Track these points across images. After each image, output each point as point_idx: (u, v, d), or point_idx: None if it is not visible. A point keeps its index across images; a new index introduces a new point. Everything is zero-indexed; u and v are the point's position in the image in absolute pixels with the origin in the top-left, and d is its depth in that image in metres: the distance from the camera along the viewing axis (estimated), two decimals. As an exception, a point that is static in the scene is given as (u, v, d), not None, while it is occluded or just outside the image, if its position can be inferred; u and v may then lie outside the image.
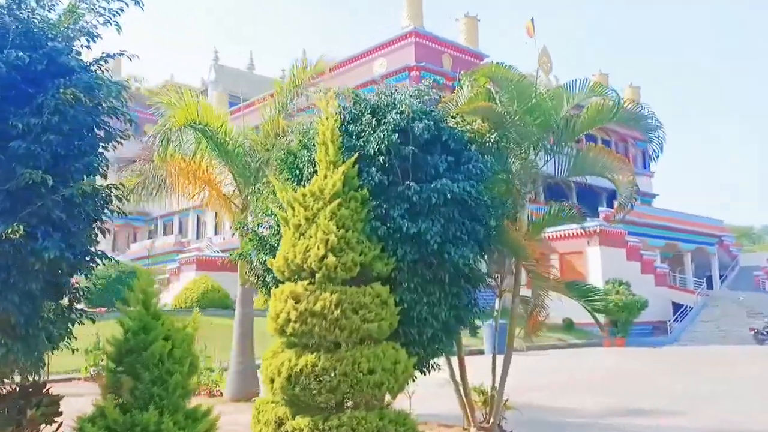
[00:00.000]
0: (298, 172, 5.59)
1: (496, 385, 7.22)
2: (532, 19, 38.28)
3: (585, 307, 7.45)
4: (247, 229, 6.74)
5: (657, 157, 7.60)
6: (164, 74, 54.91)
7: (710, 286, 35.09)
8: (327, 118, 4.99)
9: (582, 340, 25.39)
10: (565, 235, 28.00)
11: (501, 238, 6.49)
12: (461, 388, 7.18)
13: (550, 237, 28.40)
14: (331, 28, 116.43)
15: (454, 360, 7.34)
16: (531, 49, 38.57)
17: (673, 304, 29.13)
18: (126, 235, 47.87)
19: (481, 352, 20.91)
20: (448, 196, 5.16)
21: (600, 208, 32.84)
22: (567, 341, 24.76)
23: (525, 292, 8.08)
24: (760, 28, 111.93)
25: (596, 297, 7.31)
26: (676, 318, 27.85)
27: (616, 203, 29.36)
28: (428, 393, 8.81)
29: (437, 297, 5.29)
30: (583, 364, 17.43)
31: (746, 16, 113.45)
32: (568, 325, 26.39)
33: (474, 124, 6.70)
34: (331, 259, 4.58)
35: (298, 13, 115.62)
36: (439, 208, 5.22)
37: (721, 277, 36.16)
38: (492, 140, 6.49)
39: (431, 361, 5.94)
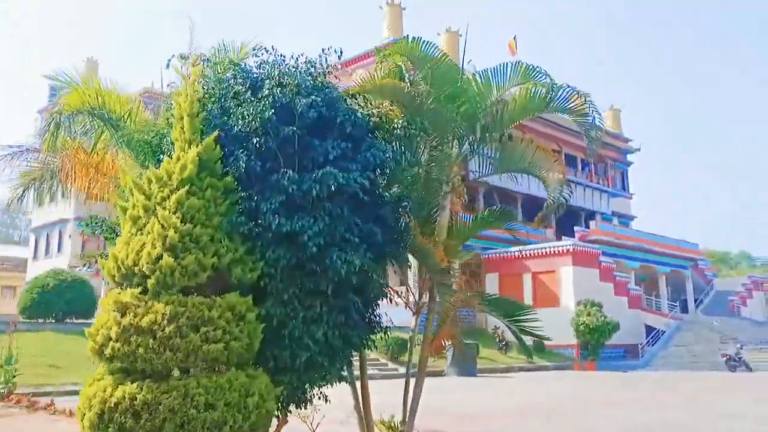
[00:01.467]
0: (162, 156, 4.59)
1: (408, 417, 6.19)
2: (515, 37, 37.38)
3: (509, 327, 6.48)
4: (97, 226, 5.71)
5: (592, 154, 6.72)
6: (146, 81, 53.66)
7: (685, 309, 34.50)
8: (186, 87, 4.03)
9: (552, 362, 24.48)
10: (538, 254, 27.25)
11: (408, 244, 5.54)
12: (364, 422, 6.14)
13: (524, 256, 27.66)
14: (322, 39, 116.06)
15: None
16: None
17: (646, 327, 28.40)
18: (96, 246, 46.27)
19: (442, 374, 19.89)
20: (333, 188, 4.19)
21: (576, 228, 32.25)
22: (537, 364, 23.81)
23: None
24: (744, 54, 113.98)
25: (525, 317, 6.34)
26: (649, 341, 27.09)
27: (594, 222, 28.49)
28: (340, 422, 7.79)
29: (317, 312, 4.29)
30: (540, 389, 16.45)
31: (730, 43, 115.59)
32: (538, 347, 25.45)
33: (382, 107, 5.74)
34: (167, 260, 3.59)
35: (286, 26, 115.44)
36: (323, 203, 4.26)
37: (696, 301, 35.62)
38: (399, 126, 5.51)
39: (320, 390, 4.92)
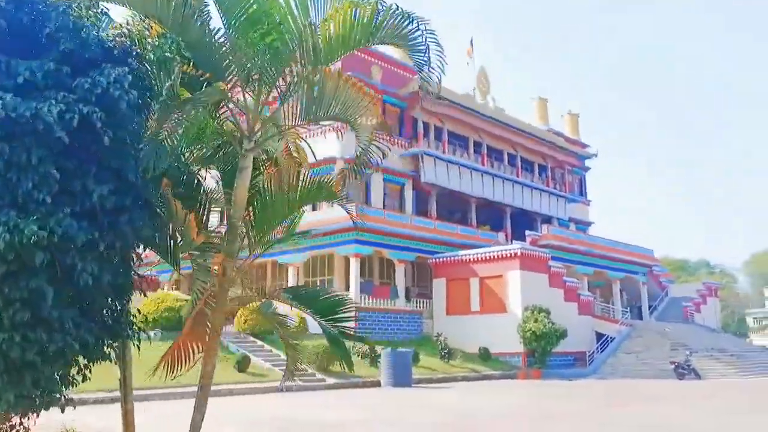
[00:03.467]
0: None
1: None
2: (471, 41, 36.23)
3: (325, 329, 5.26)
4: None
5: (430, 93, 5.57)
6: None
7: (639, 316, 33.98)
8: None
9: (498, 371, 23.41)
10: (486, 258, 26.27)
11: (163, 208, 4.28)
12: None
13: (471, 260, 26.65)
14: None
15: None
16: (472, 71, 36.03)
17: (597, 334, 27.63)
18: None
19: (376, 384, 18.61)
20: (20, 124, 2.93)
21: (528, 232, 31.47)
22: (481, 372, 22.72)
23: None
24: (710, 56, 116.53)
25: (345, 315, 5.14)
26: (598, 349, 26.28)
27: (546, 226, 27.50)
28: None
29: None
30: (459, 400, 15.27)
31: (693, 45, 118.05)
32: (484, 355, 24.42)
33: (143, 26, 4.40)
34: None
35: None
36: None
37: (650, 307, 35.17)
38: (152, 48, 4.19)
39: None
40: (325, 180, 5.28)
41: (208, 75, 4.34)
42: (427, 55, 4.74)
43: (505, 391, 17.55)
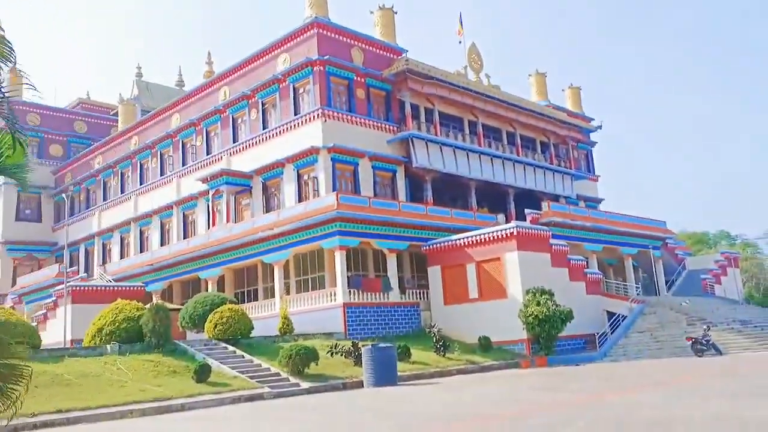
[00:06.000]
0: None
1: None
2: (460, 15, 33.41)
3: None
4: None
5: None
6: (81, 92, 51.26)
7: (656, 292, 31.90)
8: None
9: (499, 361, 21.65)
10: (481, 240, 24.50)
11: None
12: None
13: (466, 243, 24.92)
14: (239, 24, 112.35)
15: None
16: (459, 47, 32.94)
17: (608, 313, 25.70)
18: (30, 270, 43.06)
19: (359, 385, 17.03)
20: None
21: (528, 210, 29.59)
22: (479, 364, 20.99)
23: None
24: (721, 24, 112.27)
25: None
26: (610, 329, 24.34)
27: (546, 203, 25.51)
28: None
29: None
30: (439, 399, 13.61)
31: (702, 13, 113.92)
32: (484, 345, 22.68)
33: None
34: None
35: (225, 23, 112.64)
36: None
37: (667, 282, 33.03)
38: None
39: None
40: None
41: None
42: None
43: (493, 384, 15.84)
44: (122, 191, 39.31)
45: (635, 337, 23.06)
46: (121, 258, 37.26)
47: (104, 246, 40.06)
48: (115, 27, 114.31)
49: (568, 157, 40.35)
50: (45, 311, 30.49)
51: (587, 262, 27.40)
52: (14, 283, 40.59)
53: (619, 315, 24.75)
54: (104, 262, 38.93)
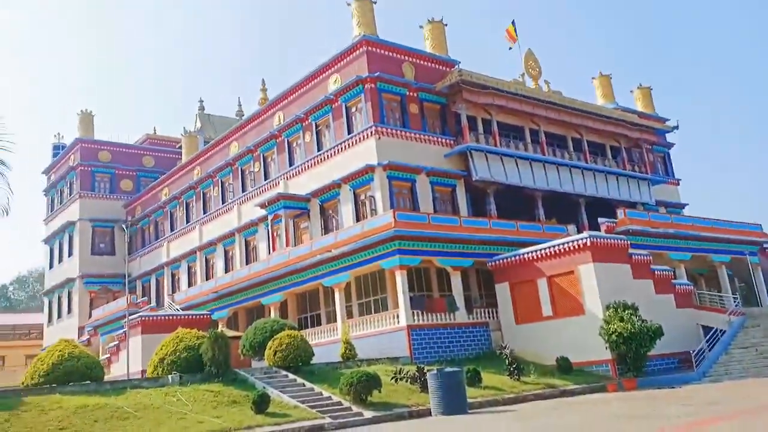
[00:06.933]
0: None
1: None
2: (513, 23, 32.73)
3: None
4: None
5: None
6: (148, 128, 53.55)
7: (757, 303, 28.63)
8: None
9: (581, 384, 19.64)
10: (552, 253, 22.70)
11: None
12: None
13: (536, 257, 23.20)
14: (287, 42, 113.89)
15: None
16: (515, 55, 31.19)
17: (704, 328, 23.05)
18: (106, 302, 44.63)
19: (426, 413, 15.69)
20: None
21: (601, 219, 27.42)
22: (559, 388, 19.09)
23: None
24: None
25: None
26: (708, 346, 21.70)
27: (622, 210, 23.47)
28: None
29: None
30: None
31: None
32: (563, 367, 20.73)
33: None
34: None
35: (276, 49, 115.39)
36: None
37: (768, 291, 29.64)
38: None
39: None
40: None
41: None
42: None
43: (577, 411, 14.06)
44: (188, 221, 40.08)
45: (737, 353, 20.41)
46: (189, 287, 37.76)
47: (173, 276, 40.87)
48: (177, 63, 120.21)
49: (642, 161, 37.66)
50: (117, 342, 31.00)
51: (674, 272, 24.86)
52: (91, 316, 42.05)
53: (716, 330, 22.08)
54: (173, 291, 39.65)
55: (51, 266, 47.80)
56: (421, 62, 30.16)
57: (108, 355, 31.34)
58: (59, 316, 45.22)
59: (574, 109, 33.16)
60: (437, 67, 30.64)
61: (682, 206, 39.69)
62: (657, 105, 43.23)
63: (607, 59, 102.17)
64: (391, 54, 29.24)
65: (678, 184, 41.21)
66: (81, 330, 41.36)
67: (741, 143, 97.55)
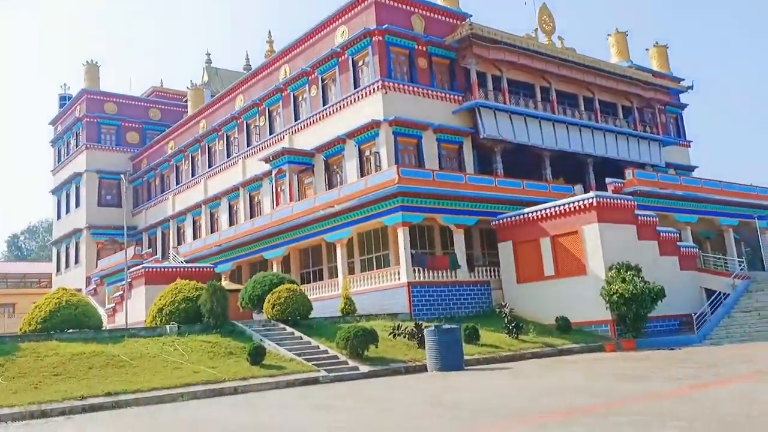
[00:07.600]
0: None
1: None
2: None
3: None
4: None
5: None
6: (154, 80, 52.95)
7: (762, 267, 28.37)
8: None
9: (579, 344, 19.70)
10: (556, 213, 22.42)
11: None
12: None
13: (540, 217, 22.94)
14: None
15: None
16: (529, 10, 30.05)
17: (707, 291, 22.91)
18: (113, 253, 45.05)
19: (422, 369, 15.81)
20: None
21: (608, 179, 26.96)
22: (557, 347, 19.16)
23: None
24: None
25: None
26: (710, 308, 21.61)
27: (630, 171, 22.95)
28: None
29: None
30: (507, 387, 12.05)
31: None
32: (562, 327, 20.76)
33: None
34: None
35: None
36: None
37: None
38: None
39: None
40: None
41: None
42: None
43: (573, 369, 14.09)
44: (193, 174, 39.95)
45: (740, 317, 20.32)
46: (193, 240, 37.96)
47: (179, 229, 41.06)
48: (186, 15, 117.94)
49: (654, 121, 36.79)
50: (122, 292, 31.40)
51: (680, 234, 24.56)
52: (97, 266, 42.53)
53: (719, 293, 21.94)
54: (179, 244, 39.91)
55: (59, 217, 48.14)
56: (431, 15, 29.16)
57: (113, 305, 31.81)
58: (67, 265, 45.81)
59: (586, 67, 32.18)
60: (447, 20, 29.64)
61: (692, 169, 39.00)
62: (673, 64, 41.96)
63: (625, 16, 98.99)
64: (400, 6, 28.27)
65: (689, 146, 40.38)
66: (88, 280, 41.92)
67: (757, 105, 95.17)
